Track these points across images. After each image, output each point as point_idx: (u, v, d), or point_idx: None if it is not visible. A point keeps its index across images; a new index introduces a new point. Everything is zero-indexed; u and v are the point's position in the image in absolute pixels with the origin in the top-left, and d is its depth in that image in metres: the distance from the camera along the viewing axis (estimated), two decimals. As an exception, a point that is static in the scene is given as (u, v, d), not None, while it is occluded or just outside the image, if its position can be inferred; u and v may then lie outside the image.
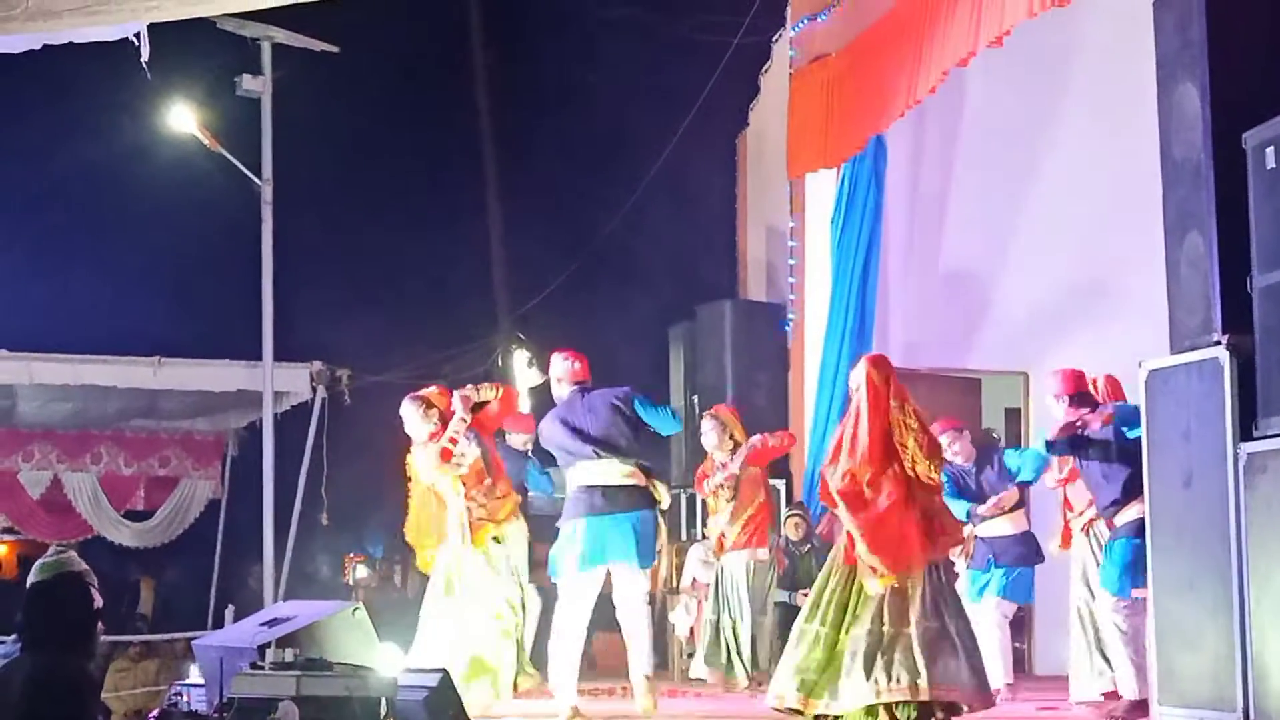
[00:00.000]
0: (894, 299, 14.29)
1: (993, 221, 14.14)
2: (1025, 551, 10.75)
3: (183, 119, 15.19)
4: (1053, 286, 13.86)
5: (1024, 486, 10.72)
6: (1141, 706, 8.78)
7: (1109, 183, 13.14)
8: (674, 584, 13.65)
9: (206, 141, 15.20)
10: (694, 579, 12.88)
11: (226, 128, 15.61)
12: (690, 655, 13.34)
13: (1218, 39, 6.72)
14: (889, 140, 13.69)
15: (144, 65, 14.77)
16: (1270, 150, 6.36)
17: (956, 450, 10.67)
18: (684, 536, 14.26)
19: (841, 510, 7.79)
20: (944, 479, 10.78)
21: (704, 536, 13.15)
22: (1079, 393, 9.66)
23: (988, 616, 10.53)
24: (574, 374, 9.62)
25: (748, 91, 16.23)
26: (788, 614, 11.62)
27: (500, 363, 18.67)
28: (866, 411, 7.90)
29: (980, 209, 14.18)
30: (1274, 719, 6.20)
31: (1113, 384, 9.70)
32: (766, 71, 15.81)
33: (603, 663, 13.92)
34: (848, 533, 7.81)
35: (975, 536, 10.81)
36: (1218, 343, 6.58)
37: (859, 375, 8.17)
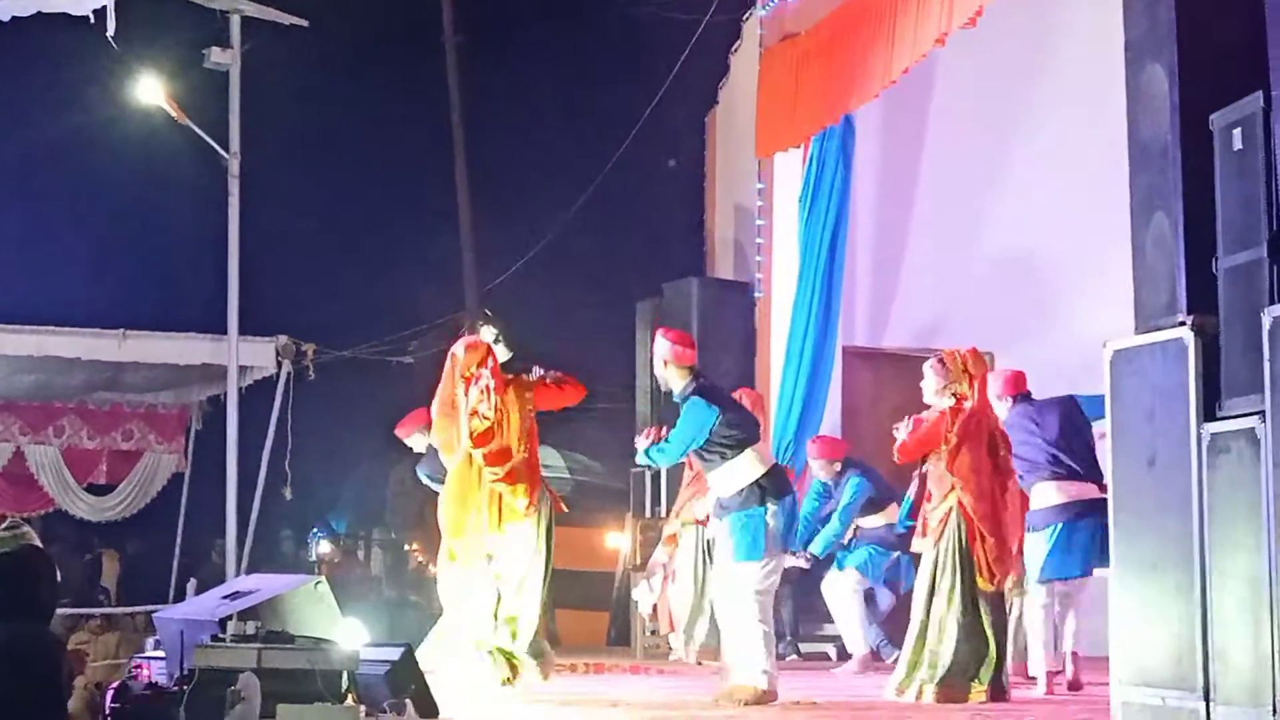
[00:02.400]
0: (861, 278, 14.32)
1: (961, 201, 14.18)
2: (893, 539, 11.45)
3: (151, 91, 15.13)
4: (1020, 266, 13.92)
5: None
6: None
7: (1077, 164, 13.18)
8: (638, 561, 13.65)
9: (174, 114, 15.13)
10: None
11: (194, 101, 15.54)
12: (653, 632, 13.36)
13: (1186, 21, 6.72)
14: (858, 120, 13.69)
15: (110, 39, 14.72)
16: (1237, 132, 6.37)
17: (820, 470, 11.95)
18: (648, 514, 14.26)
19: None
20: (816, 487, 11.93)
21: (669, 514, 13.16)
22: (1020, 393, 10.00)
23: (845, 584, 11.61)
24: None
25: (718, 70, 16.21)
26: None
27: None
28: None
29: (948, 189, 14.21)
30: (1233, 698, 6.22)
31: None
32: (736, 50, 15.80)
33: (567, 639, 13.97)
34: None
35: (858, 527, 11.86)
36: (1182, 323, 6.59)
37: None
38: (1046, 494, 9.78)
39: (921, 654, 9.12)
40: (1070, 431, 9.97)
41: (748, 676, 8.86)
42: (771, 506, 8.82)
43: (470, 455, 9.29)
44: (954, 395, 9.34)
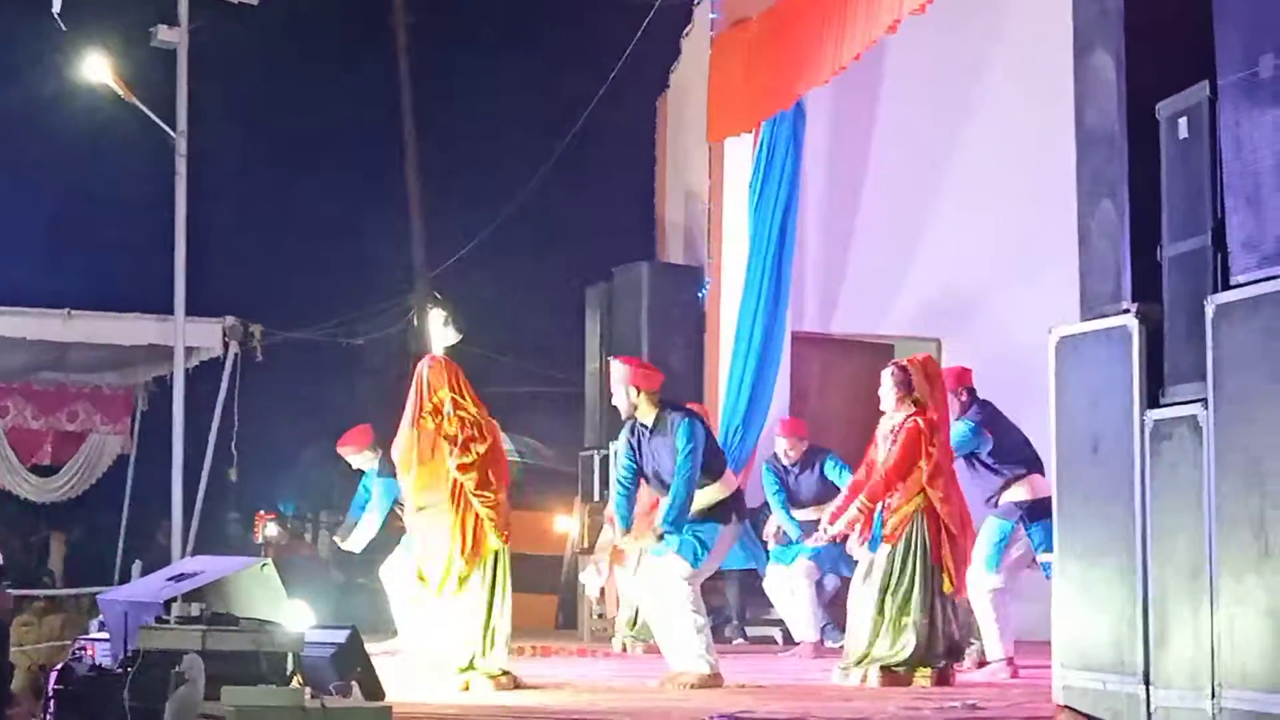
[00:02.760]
0: (810, 264, 14.35)
1: (910, 188, 14.22)
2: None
3: (97, 70, 15.03)
4: (968, 254, 13.99)
5: None
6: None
7: (1026, 151, 13.27)
8: (585, 545, 13.67)
9: (121, 92, 15.04)
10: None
11: (142, 79, 15.45)
12: (601, 615, 13.38)
13: (1134, 9, 6.75)
14: (808, 106, 13.71)
15: (56, 16, 14.60)
16: (1183, 121, 6.40)
17: (788, 450, 12.02)
18: (597, 498, 14.27)
19: None
20: (769, 473, 11.99)
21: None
22: (962, 387, 10.10)
23: (798, 575, 11.72)
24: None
25: (669, 54, 16.19)
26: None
27: (416, 321, 18.62)
28: None
29: (898, 175, 14.25)
30: (1173, 682, 6.27)
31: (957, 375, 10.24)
32: (688, 34, 15.77)
33: (515, 623, 13.92)
34: None
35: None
36: (1127, 311, 6.63)
37: None
38: (1037, 486, 9.84)
39: (872, 649, 9.20)
40: (1017, 427, 10.19)
41: (688, 663, 8.91)
42: (733, 525, 9.05)
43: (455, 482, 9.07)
44: (914, 403, 9.37)
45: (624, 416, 9.33)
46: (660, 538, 9.02)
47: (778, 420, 12.85)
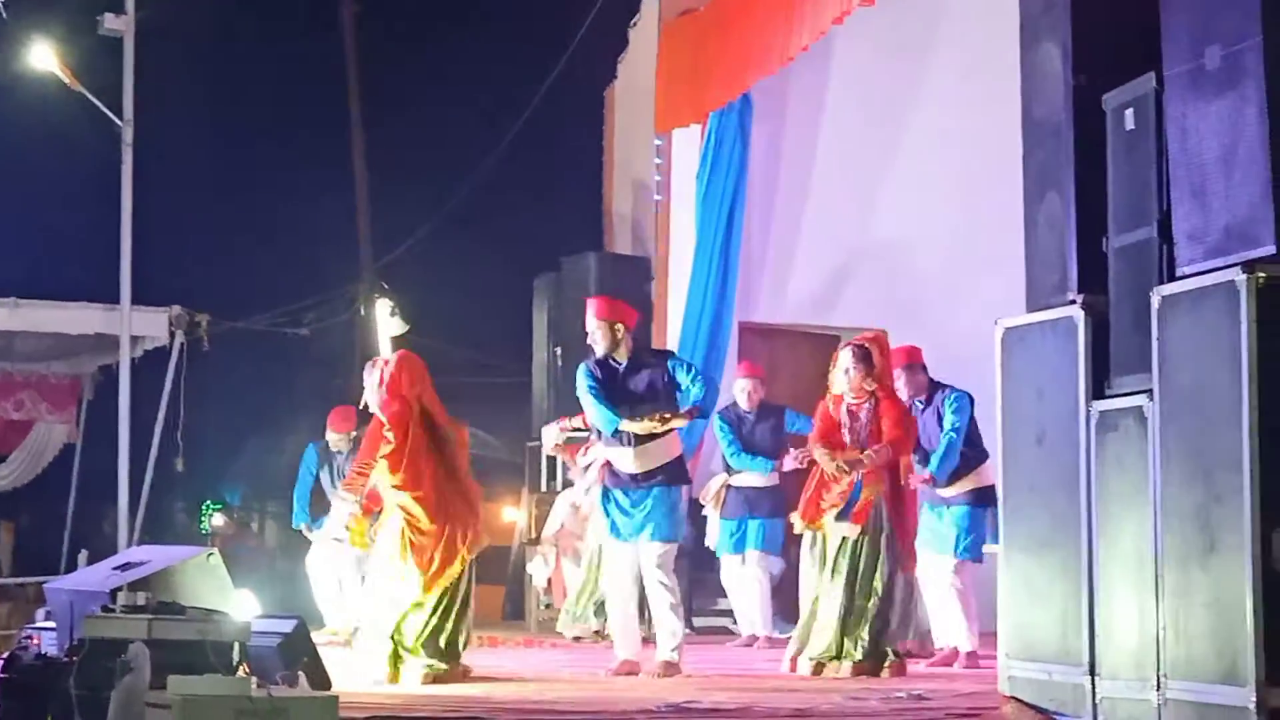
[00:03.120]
0: (757, 255, 14.36)
1: (857, 179, 14.26)
2: (777, 503, 11.46)
3: (43, 58, 14.90)
4: (916, 245, 14.04)
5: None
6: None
7: (973, 143, 13.31)
8: (533, 535, 13.65)
9: (67, 81, 14.92)
10: (561, 525, 12.82)
11: (88, 67, 15.33)
12: (548, 605, 13.37)
13: (1081, 1, 6.78)
14: (756, 97, 13.72)
15: (0, 5, 14.47)
16: (1129, 112, 6.44)
17: (750, 392, 11.74)
18: (544, 488, 14.26)
19: None
20: (722, 424, 11.72)
21: (565, 487, 13.16)
22: (910, 364, 10.09)
23: (750, 569, 11.62)
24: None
25: (617, 44, 16.18)
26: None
27: (363, 311, 18.55)
28: None
29: (845, 167, 14.28)
30: (1118, 672, 6.32)
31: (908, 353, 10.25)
32: (635, 25, 15.75)
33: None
34: None
35: (729, 486, 11.80)
36: (1073, 302, 6.67)
37: None
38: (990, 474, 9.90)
39: (844, 635, 9.26)
40: None
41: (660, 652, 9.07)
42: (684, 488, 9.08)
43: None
44: (875, 380, 9.40)
45: (601, 353, 9.41)
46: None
47: (738, 364, 12.77)
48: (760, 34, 12.46)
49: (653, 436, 9.15)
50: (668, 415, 9.11)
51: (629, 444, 9.15)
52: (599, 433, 9.36)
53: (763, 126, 14.10)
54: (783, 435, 11.72)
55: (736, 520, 11.75)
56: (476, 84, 20.06)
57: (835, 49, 13.73)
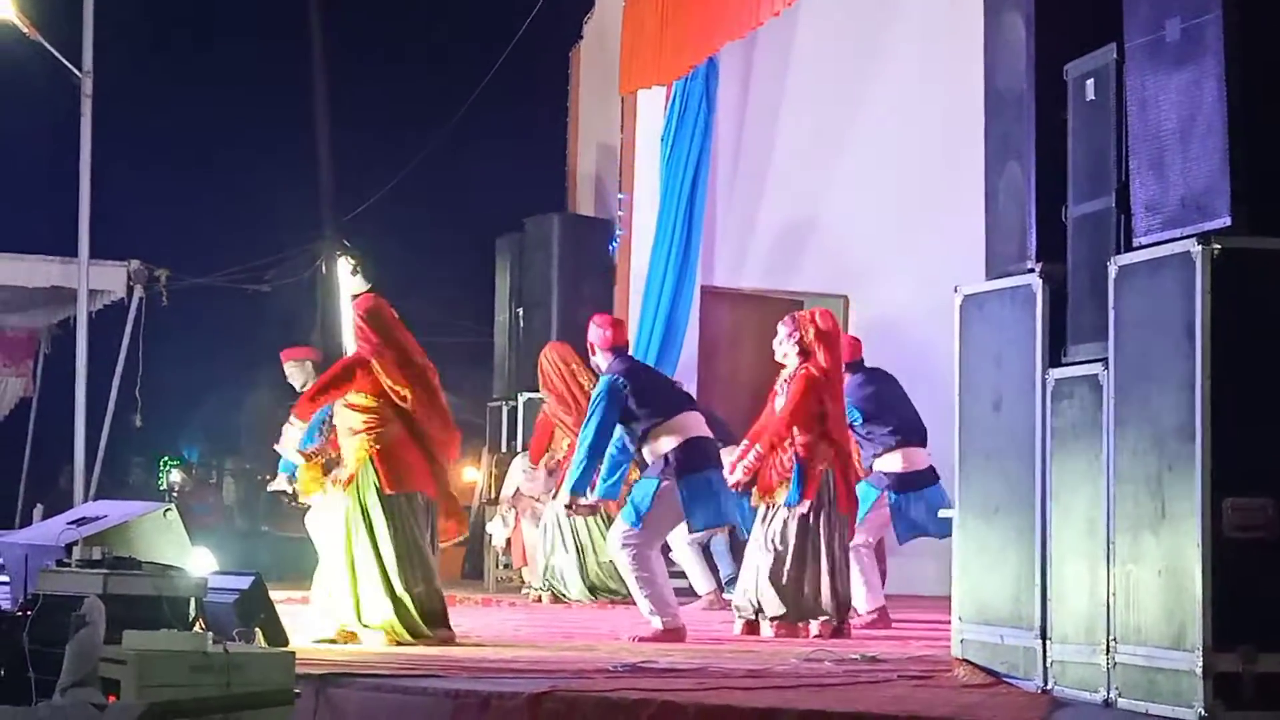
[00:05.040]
0: (721, 218, 14.38)
1: (821, 145, 14.28)
2: None
3: (1, 6, 14.78)
4: (877, 211, 14.07)
5: None
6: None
7: (936, 111, 13.36)
8: (492, 495, 13.68)
9: (25, 30, 14.80)
10: (517, 489, 12.86)
11: (46, 17, 15.20)
12: (506, 566, 13.41)
13: (1044, -30, 6.80)
14: (721, 60, 13.71)
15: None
16: (1090, 82, 6.46)
17: None
18: (504, 449, 14.28)
19: None
20: None
21: (525, 448, 13.17)
22: (857, 359, 10.51)
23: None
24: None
25: (583, 4, 16.14)
26: None
27: (324, 269, 18.49)
28: None
29: (809, 132, 14.30)
30: (1069, 636, 6.37)
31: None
32: (602, -15, 15.73)
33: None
34: None
35: None
36: (1031, 270, 6.69)
37: None
38: (911, 458, 10.23)
39: (804, 600, 9.43)
40: (907, 401, 10.40)
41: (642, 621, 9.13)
42: (667, 481, 9.12)
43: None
44: (803, 352, 9.50)
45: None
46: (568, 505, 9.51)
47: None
48: (726, -2, 12.45)
49: None
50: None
51: None
52: None
53: (728, 89, 14.10)
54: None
55: None
56: (442, 42, 20.00)
57: (801, 14, 13.72)
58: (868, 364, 10.67)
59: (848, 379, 10.23)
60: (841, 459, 9.59)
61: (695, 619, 10.66)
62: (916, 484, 10.33)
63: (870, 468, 10.41)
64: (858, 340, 10.76)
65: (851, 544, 9.94)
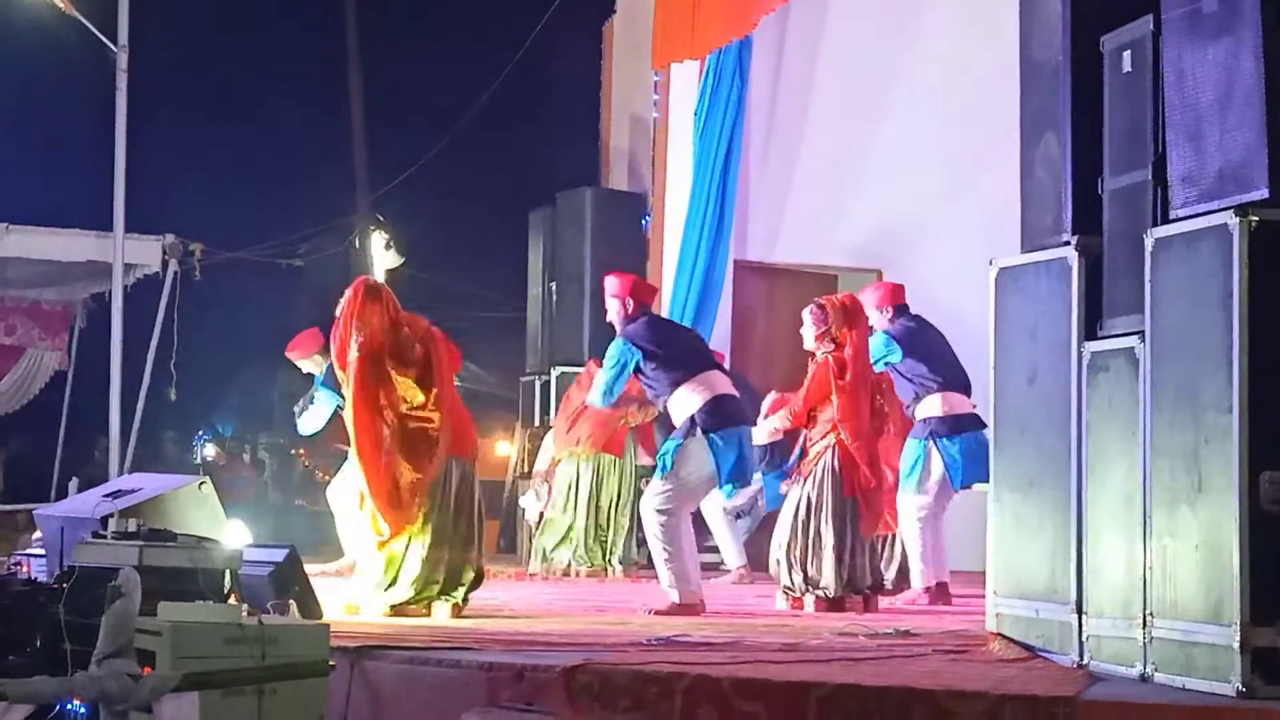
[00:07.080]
0: (754, 193, 14.36)
1: (854, 119, 14.24)
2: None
3: (37, -17, 14.82)
4: (912, 185, 14.03)
5: None
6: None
7: (970, 83, 13.30)
8: (525, 469, 13.69)
9: (62, 6, 14.83)
10: (552, 459, 12.84)
11: (83, -8, 15.23)
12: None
13: (1081, -58, 6.75)
14: (755, 34, 13.68)
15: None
16: (1127, 54, 6.42)
17: None
18: (537, 423, 14.29)
19: None
20: None
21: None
22: (891, 305, 10.29)
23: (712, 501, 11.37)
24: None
25: (616, -22, 16.11)
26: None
27: (358, 243, 18.53)
28: None
29: (842, 106, 14.26)
30: (1104, 610, 6.35)
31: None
32: (635, -41, 15.69)
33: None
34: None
35: None
36: (1067, 243, 6.66)
37: None
38: (953, 403, 10.04)
39: (807, 574, 9.40)
40: (950, 350, 10.28)
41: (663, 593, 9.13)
42: (695, 437, 9.07)
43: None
44: (833, 341, 9.49)
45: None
46: None
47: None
48: (760, -30, 12.41)
49: None
50: None
51: None
52: None
53: (761, 63, 14.06)
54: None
55: None
56: (475, 17, 19.98)
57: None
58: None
59: (891, 321, 10.17)
60: (857, 443, 9.47)
61: (727, 593, 10.67)
62: (960, 428, 10.05)
63: (913, 415, 10.24)
64: (900, 286, 10.56)
65: (913, 512, 9.97)
